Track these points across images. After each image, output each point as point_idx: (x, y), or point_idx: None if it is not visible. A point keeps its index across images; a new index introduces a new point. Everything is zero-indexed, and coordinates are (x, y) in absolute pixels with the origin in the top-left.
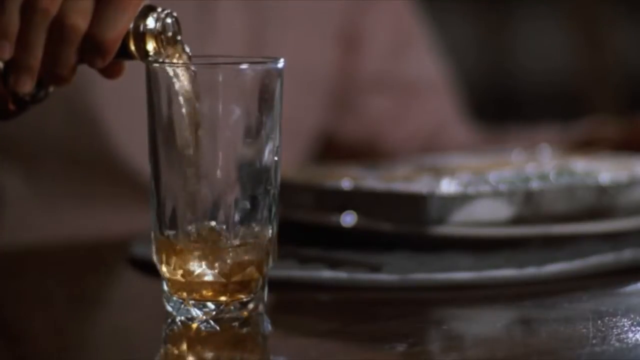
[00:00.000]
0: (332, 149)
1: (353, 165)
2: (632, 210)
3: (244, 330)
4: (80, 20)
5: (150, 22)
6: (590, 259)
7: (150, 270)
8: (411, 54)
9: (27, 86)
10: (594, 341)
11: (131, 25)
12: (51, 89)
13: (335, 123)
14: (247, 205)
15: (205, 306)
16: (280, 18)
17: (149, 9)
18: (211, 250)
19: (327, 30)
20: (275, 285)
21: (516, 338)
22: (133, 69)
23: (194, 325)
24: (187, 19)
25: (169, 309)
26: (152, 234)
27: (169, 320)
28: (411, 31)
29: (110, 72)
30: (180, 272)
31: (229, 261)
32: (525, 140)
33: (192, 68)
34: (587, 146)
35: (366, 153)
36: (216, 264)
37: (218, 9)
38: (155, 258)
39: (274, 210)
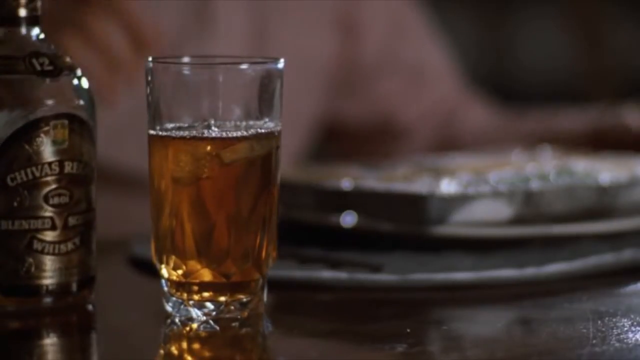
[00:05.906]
0: (343, 134)
1: (353, 165)
2: (632, 210)
3: (244, 330)
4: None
5: None
6: (590, 259)
7: (150, 270)
8: (411, 37)
9: None
10: (594, 341)
11: None
12: None
13: (343, 107)
14: None
15: (205, 306)
16: (279, 8)
17: None
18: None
19: (325, 19)
20: (275, 285)
21: (516, 338)
22: None
23: (194, 326)
24: (188, 12)
25: (169, 309)
26: (152, 235)
27: (169, 321)
28: (409, 16)
29: None
30: (180, 272)
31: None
32: (546, 124)
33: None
34: (604, 134)
35: (380, 133)
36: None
37: (218, 2)
38: (154, 258)
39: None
